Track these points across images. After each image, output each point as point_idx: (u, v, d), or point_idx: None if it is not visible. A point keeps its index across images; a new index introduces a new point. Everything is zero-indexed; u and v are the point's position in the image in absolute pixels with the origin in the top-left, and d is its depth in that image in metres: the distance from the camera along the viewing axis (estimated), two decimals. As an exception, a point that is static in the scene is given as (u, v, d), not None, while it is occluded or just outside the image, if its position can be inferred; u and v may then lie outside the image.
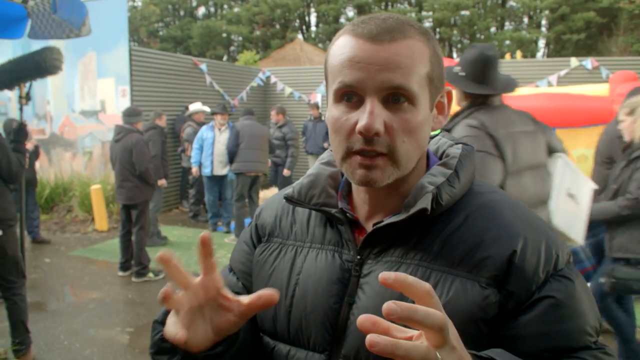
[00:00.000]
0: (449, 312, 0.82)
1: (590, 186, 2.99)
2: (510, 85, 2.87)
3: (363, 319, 0.64)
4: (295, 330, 0.99)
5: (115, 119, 9.52)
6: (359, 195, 1.01)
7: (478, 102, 2.79)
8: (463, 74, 2.81)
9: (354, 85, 0.86)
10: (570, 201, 2.87)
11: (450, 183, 0.92)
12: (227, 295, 0.84)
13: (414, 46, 0.87)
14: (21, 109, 4.10)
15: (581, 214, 2.90)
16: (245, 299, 0.82)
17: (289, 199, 1.05)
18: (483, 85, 2.77)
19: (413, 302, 0.83)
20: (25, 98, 4.03)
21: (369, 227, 0.97)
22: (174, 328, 0.80)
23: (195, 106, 9.55)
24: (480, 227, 0.90)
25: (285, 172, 9.44)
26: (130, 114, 6.27)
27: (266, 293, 0.81)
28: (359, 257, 0.96)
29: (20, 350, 3.91)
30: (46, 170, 9.97)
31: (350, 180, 0.94)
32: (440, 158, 1.03)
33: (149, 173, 6.13)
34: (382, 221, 0.93)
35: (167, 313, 0.90)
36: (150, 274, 6.27)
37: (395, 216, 0.92)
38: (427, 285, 0.66)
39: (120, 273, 6.41)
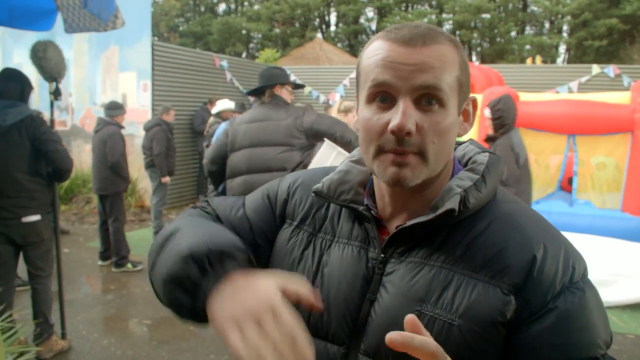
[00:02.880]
0: (471, 315, 0.87)
1: None
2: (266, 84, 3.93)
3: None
4: (316, 321, 1.01)
5: (137, 114, 9.63)
6: (383, 197, 1.02)
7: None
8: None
9: (387, 84, 0.89)
10: None
11: (477, 188, 0.94)
12: None
13: (445, 51, 0.91)
14: (52, 105, 4.18)
15: None
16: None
17: (317, 194, 1.07)
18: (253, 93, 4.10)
19: (436, 302, 0.90)
20: (55, 94, 4.10)
21: (392, 227, 1.00)
22: None
23: (223, 104, 9.58)
24: (503, 235, 0.92)
25: None
26: (111, 107, 6.46)
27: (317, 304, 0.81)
28: (382, 255, 0.98)
29: (41, 339, 3.98)
30: (66, 162, 10.08)
31: (380, 179, 0.96)
32: (466, 165, 1.04)
33: (121, 165, 6.21)
34: (408, 222, 0.95)
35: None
36: (129, 265, 6.38)
37: (422, 217, 0.94)
38: (432, 346, 0.72)
39: (100, 262, 6.59)
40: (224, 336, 0.73)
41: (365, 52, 0.96)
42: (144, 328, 4.78)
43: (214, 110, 9.53)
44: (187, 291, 0.85)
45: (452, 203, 0.91)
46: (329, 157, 3.78)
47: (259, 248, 1.12)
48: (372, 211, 1.01)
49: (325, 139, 3.86)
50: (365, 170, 1.09)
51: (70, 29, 3.82)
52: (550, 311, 0.86)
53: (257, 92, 4.02)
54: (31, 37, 9.37)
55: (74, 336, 4.48)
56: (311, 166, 3.74)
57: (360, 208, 1.01)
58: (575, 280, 0.89)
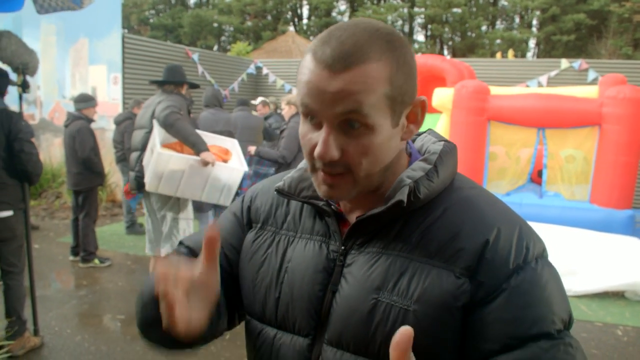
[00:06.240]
0: (425, 299, 0.89)
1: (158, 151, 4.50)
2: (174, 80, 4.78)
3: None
4: (283, 315, 1.05)
5: (107, 107, 9.51)
6: None
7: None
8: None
9: (311, 109, 0.90)
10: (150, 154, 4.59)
11: (429, 177, 0.96)
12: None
13: (370, 71, 0.87)
14: (20, 98, 4.10)
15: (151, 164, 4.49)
16: (199, 266, 0.88)
17: (279, 192, 1.09)
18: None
19: (392, 289, 0.91)
20: (22, 86, 4.02)
21: (352, 220, 1.01)
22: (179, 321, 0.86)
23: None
24: (457, 220, 0.94)
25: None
26: (78, 100, 6.32)
27: (208, 238, 0.87)
28: (343, 247, 1.01)
29: (13, 335, 3.92)
30: (35, 156, 9.91)
31: (318, 193, 0.99)
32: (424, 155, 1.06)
33: (92, 160, 6.10)
34: (365, 214, 0.97)
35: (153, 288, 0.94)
36: (96, 261, 6.30)
37: (376, 209, 0.96)
38: None
39: (71, 257, 6.50)
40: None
41: (301, 64, 0.95)
42: (117, 323, 4.74)
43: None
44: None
45: (401, 195, 0.92)
46: (156, 134, 4.52)
47: (231, 261, 1.16)
48: (332, 206, 1.04)
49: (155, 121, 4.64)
50: None
51: (42, 9, 3.72)
52: (503, 291, 0.88)
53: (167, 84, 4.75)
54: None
55: (47, 332, 4.42)
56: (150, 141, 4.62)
57: (320, 203, 1.04)
58: (529, 260, 0.90)
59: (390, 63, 0.89)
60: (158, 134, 4.48)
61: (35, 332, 4.21)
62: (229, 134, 5.92)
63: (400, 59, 0.90)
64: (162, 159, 4.34)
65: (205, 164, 4.35)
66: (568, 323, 0.91)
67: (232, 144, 5.02)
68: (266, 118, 9.41)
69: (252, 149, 6.31)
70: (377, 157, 0.92)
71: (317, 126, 0.91)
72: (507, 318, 0.87)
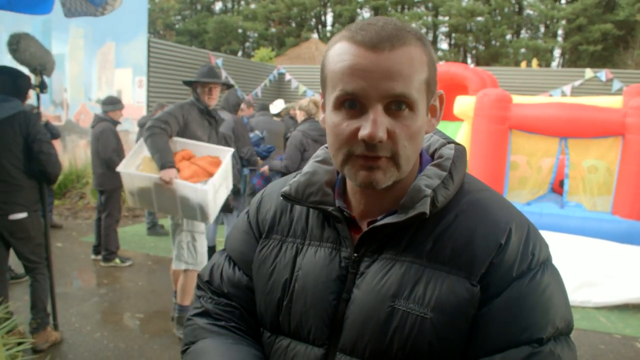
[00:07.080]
0: (442, 307, 0.89)
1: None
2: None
3: None
4: (296, 324, 1.03)
5: (131, 110, 9.65)
6: (354, 195, 1.03)
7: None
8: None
9: (357, 94, 0.87)
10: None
11: (445, 185, 0.95)
12: None
13: (413, 53, 0.89)
14: (38, 98, 4.20)
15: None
16: None
17: (286, 197, 1.07)
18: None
19: (408, 297, 0.91)
20: (40, 87, 4.10)
21: (364, 226, 1.01)
22: None
23: (281, 104, 9.47)
24: (470, 225, 0.94)
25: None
26: (106, 102, 6.46)
27: None
28: (355, 254, 0.99)
29: (37, 328, 4.00)
30: (60, 157, 10.06)
31: (352, 182, 0.96)
32: (432, 156, 1.05)
33: (114, 161, 6.10)
34: (377, 220, 0.97)
35: None
36: (117, 260, 6.39)
37: (392, 217, 0.95)
38: None
39: (93, 256, 6.60)
40: None
41: (330, 54, 0.93)
42: (136, 321, 4.81)
43: (274, 110, 9.39)
44: None
45: (423, 206, 0.92)
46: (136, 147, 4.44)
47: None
48: (344, 212, 1.02)
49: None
50: (332, 169, 1.09)
51: (69, 13, 3.79)
52: (501, 294, 0.89)
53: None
54: (26, 21, 9.39)
55: (67, 329, 4.50)
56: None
57: (330, 209, 1.01)
58: (532, 267, 0.91)
59: (425, 50, 0.92)
60: (141, 146, 4.34)
61: (55, 328, 4.29)
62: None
63: (429, 49, 0.94)
64: (124, 178, 4.22)
65: (165, 182, 4.00)
66: (563, 329, 0.92)
67: (224, 154, 4.46)
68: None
69: (265, 169, 6.29)
70: (417, 141, 0.93)
71: (357, 113, 0.89)
72: (499, 321, 0.89)
